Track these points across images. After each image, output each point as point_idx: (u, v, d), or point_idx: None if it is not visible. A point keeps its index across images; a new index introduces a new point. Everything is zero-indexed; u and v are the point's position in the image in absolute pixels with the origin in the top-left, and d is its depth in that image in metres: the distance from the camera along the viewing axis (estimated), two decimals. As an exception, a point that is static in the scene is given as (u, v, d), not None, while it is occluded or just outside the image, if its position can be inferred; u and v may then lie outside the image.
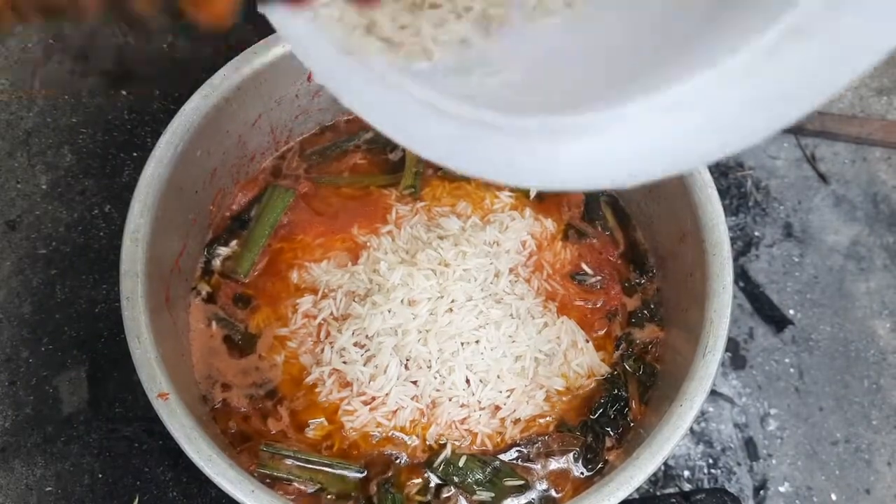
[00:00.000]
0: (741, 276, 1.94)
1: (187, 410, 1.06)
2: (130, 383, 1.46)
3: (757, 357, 1.89)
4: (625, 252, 1.38)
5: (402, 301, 1.25)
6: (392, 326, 1.24)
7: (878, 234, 2.01)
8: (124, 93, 1.71)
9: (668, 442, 1.03)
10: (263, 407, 1.25)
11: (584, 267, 1.35)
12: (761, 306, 1.92)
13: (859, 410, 1.84)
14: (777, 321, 1.90)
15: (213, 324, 1.30)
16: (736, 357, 1.88)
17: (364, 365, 1.23)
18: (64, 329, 1.50)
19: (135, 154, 1.66)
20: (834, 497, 1.78)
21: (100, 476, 1.41)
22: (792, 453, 1.81)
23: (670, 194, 1.24)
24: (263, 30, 1.85)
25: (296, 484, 1.19)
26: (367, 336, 1.24)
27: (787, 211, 2.03)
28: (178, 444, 1.03)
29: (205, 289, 1.33)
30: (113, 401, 1.45)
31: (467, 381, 1.22)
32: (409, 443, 1.22)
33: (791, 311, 1.92)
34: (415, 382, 1.22)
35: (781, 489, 1.78)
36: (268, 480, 1.18)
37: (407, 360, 1.23)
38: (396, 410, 1.22)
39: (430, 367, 1.22)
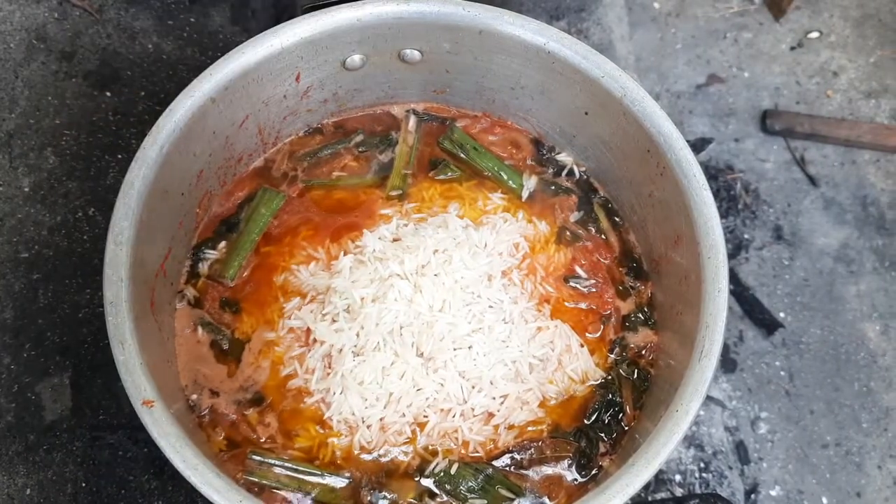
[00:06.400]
0: (731, 278, 1.94)
1: (172, 418, 1.04)
2: (115, 390, 1.44)
3: (747, 360, 1.89)
4: (619, 255, 1.37)
5: (390, 305, 1.23)
6: (381, 331, 1.22)
7: (868, 236, 2.01)
8: (109, 94, 1.69)
9: (664, 448, 1.02)
10: (251, 413, 1.23)
11: (578, 270, 1.34)
12: (751, 309, 1.92)
13: (850, 413, 1.85)
14: (767, 324, 1.90)
15: (200, 329, 1.28)
16: (726, 360, 1.88)
17: (351, 371, 1.21)
18: (46, 335, 1.47)
19: (119, 156, 1.63)
20: (825, 500, 1.78)
21: (83, 485, 1.38)
22: (783, 457, 1.81)
23: (664, 196, 1.24)
24: (250, 29, 1.84)
25: (284, 493, 1.17)
26: (354, 343, 1.22)
27: (776, 214, 2.03)
28: (164, 452, 1.01)
29: (191, 293, 1.30)
30: (97, 408, 1.43)
31: (460, 387, 1.20)
32: (400, 451, 1.20)
33: (781, 314, 1.93)
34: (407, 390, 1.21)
35: (773, 493, 1.78)
36: (256, 489, 1.16)
37: (393, 363, 1.21)
38: (386, 425, 1.21)
39: (422, 374, 1.20)
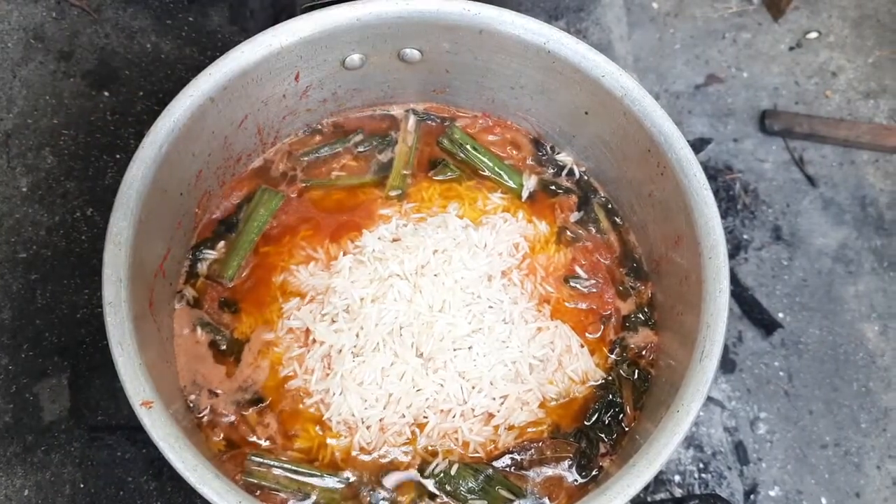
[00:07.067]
0: (730, 279, 1.94)
1: (171, 419, 1.03)
2: (113, 391, 1.43)
3: (746, 360, 1.89)
4: (619, 255, 1.37)
5: (390, 305, 1.23)
6: (380, 331, 1.22)
7: (867, 237, 2.01)
8: (107, 94, 1.68)
9: (665, 449, 1.02)
10: (250, 414, 1.22)
11: (578, 270, 1.34)
12: (750, 310, 1.92)
13: (848, 414, 1.85)
14: (766, 324, 1.90)
15: (199, 329, 1.27)
16: (725, 360, 1.88)
17: (350, 372, 1.21)
18: (45, 335, 1.46)
19: (118, 156, 1.63)
20: (824, 501, 1.78)
21: (81, 486, 1.38)
22: (782, 457, 1.81)
23: (664, 196, 1.24)
24: (249, 29, 1.83)
25: (283, 494, 1.16)
26: (354, 344, 1.22)
27: (775, 214, 2.03)
28: (163, 453, 1.01)
29: (190, 293, 1.30)
30: (95, 409, 1.43)
31: (460, 388, 1.20)
32: (400, 451, 1.20)
33: (780, 315, 1.92)
34: (406, 390, 1.20)
35: (772, 493, 1.77)
36: (258, 492, 1.16)
37: (393, 363, 1.21)
38: (385, 426, 1.21)
39: (422, 375, 1.20)
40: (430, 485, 1.18)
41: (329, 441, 1.20)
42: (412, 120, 1.45)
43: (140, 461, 1.39)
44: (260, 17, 1.85)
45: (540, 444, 1.21)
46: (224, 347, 1.26)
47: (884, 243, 2.01)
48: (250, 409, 1.22)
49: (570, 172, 1.43)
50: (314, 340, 1.24)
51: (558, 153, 1.44)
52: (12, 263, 1.51)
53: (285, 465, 1.17)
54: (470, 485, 1.17)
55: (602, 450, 1.23)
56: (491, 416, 1.21)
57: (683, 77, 2.18)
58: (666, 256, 1.27)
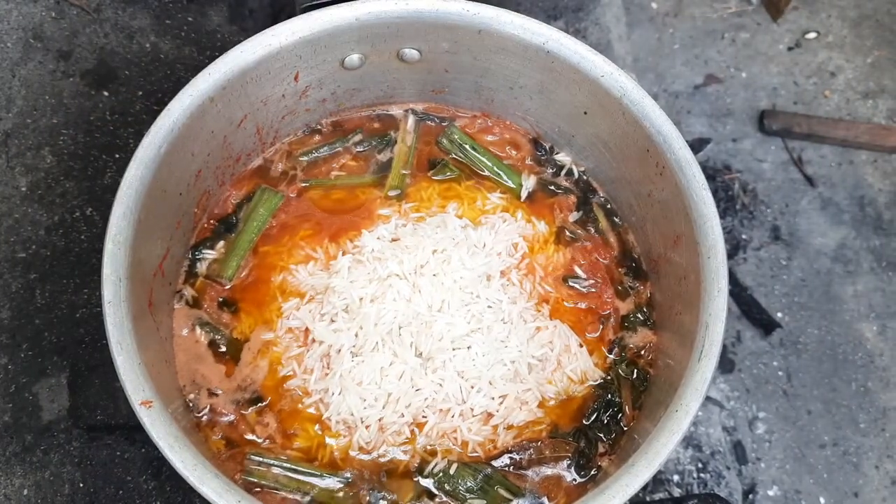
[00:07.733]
0: (729, 279, 1.94)
1: (170, 418, 1.03)
2: (112, 390, 1.43)
3: (745, 360, 1.89)
4: (618, 255, 1.37)
5: (389, 305, 1.23)
6: (379, 331, 1.22)
7: (865, 236, 2.02)
8: (106, 93, 1.68)
9: (664, 448, 1.02)
10: (249, 413, 1.22)
11: (577, 270, 1.34)
12: (749, 309, 1.92)
13: (847, 413, 1.85)
14: (765, 324, 1.91)
15: (198, 329, 1.27)
16: (724, 360, 1.89)
17: (349, 371, 1.21)
18: (44, 335, 1.46)
19: (117, 156, 1.63)
20: (822, 500, 1.78)
21: (80, 486, 1.38)
22: (780, 457, 1.81)
23: (663, 196, 1.24)
24: (248, 29, 1.83)
25: (283, 493, 1.16)
26: (353, 343, 1.22)
27: (774, 214, 2.03)
28: (162, 453, 1.01)
29: (189, 293, 1.30)
30: (94, 408, 1.42)
31: (459, 387, 1.20)
32: (399, 451, 1.20)
33: (779, 315, 1.93)
34: (405, 390, 1.20)
35: (770, 493, 1.78)
36: (257, 490, 1.16)
37: (392, 363, 1.21)
38: (384, 426, 1.21)
39: (421, 375, 1.20)
40: (429, 484, 1.18)
41: (328, 440, 1.20)
42: (411, 120, 1.45)
43: (139, 460, 1.39)
44: (259, 17, 1.85)
45: (539, 443, 1.21)
46: (223, 347, 1.26)
47: (882, 243, 2.01)
48: (249, 409, 1.23)
49: (569, 172, 1.43)
50: (313, 340, 1.25)
51: (557, 153, 1.44)
52: (11, 263, 1.51)
53: (285, 465, 1.17)
54: (469, 484, 1.17)
55: (601, 449, 1.23)
56: (490, 415, 1.21)
57: (682, 77, 2.18)
58: (665, 256, 1.28)
